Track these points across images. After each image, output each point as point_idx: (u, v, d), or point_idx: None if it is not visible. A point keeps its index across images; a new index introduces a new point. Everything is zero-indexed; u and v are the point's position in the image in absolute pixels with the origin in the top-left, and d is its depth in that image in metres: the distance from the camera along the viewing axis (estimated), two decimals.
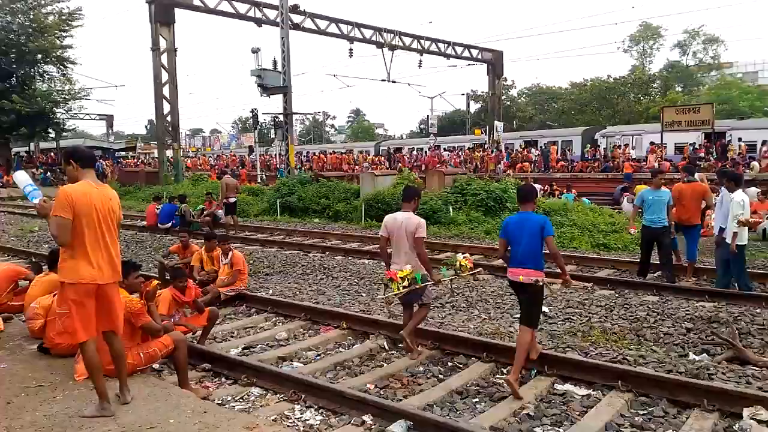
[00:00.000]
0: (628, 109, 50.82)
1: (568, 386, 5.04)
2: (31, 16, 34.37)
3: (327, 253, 12.53)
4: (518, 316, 5.48)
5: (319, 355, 6.11)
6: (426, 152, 39.58)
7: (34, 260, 10.15)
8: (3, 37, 33.55)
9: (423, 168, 31.70)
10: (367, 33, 26.22)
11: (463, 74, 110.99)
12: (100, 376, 4.00)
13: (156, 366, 5.34)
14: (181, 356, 4.66)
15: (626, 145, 30.88)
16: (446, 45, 33.78)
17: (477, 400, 4.87)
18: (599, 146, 33.10)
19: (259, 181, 31.22)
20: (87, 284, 3.89)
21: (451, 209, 16.33)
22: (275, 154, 42.61)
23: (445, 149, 39.81)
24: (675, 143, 29.44)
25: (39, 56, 35.23)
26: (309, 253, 12.58)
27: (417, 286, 5.69)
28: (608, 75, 54.79)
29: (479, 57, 36.53)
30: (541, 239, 5.00)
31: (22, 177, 4.28)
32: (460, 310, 7.67)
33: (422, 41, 31.86)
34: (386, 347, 6.26)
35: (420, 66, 33.30)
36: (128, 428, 3.75)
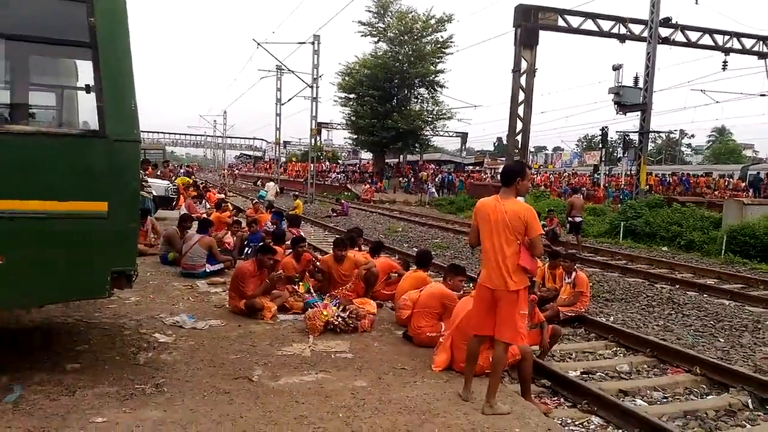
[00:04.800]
0: None
1: None
2: (414, 47, 39.91)
3: (677, 286, 11.37)
4: None
5: (666, 397, 5.62)
6: None
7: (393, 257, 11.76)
8: (391, 65, 39.96)
9: None
10: (747, 43, 22.75)
11: None
12: (499, 376, 4.41)
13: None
14: (527, 368, 4.82)
15: None
16: None
17: None
18: None
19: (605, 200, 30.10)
20: (481, 285, 4.42)
21: None
22: (621, 174, 40.44)
23: None
24: None
25: (416, 81, 40.85)
26: (655, 283, 11.62)
27: None
28: None
29: None
30: None
31: None
32: None
33: None
34: (750, 405, 5.40)
35: None
36: (477, 426, 4.03)
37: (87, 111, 4.64)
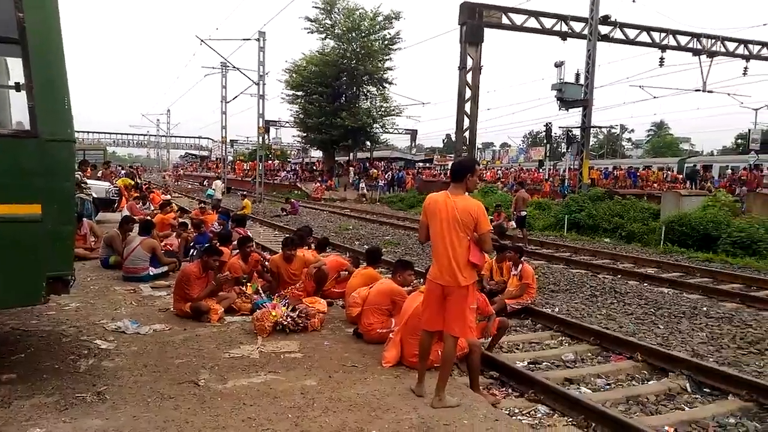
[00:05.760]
0: None
1: None
2: (362, 44, 39.84)
3: (619, 276, 11.79)
4: None
5: (609, 384, 5.80)
6: (743, 171, 34.05)
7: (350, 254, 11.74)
8: (339, 62, 39.77)
9: (738, 190, 27.49)
10: (683, 40, 23.78)
11: None
12: (448, 369, 4.43)
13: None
14: (476, 360, 4.89)
15: None
16: None
17: None
18: None
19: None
20: (431, 281, 4.43)
21: None
22: (565, 169, 41.60)
23: None
24: None
25: (365, 78, 40.81)
26: (598, 274, 12.01)
27: None
28: None
29: None
30: None
31: None
32: None
33: (750, 46, 27.63)
34: (688, 389, 5.64)
35: (745, 74, 28.89)
36: (426, 420, 4.07)
37: (19, 110, 4.44)
